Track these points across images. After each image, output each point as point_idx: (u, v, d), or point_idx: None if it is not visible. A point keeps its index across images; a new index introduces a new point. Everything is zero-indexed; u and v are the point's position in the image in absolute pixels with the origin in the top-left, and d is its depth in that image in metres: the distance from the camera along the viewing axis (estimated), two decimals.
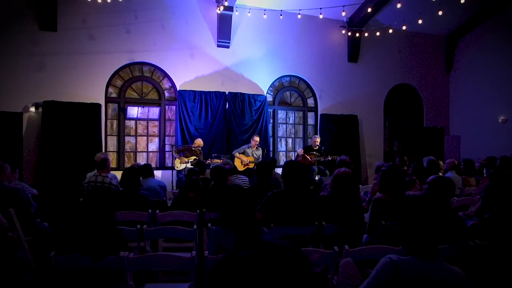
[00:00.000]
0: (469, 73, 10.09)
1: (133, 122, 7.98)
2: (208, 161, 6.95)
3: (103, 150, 7.34)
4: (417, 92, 10.32)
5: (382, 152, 9.92)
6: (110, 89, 7.71)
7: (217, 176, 4.21)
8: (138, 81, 7.97)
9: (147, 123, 8.10)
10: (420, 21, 7.84)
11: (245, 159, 7.52)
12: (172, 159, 7.75)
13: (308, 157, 7.83)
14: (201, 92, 7.99)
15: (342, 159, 4.70)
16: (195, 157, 7.32)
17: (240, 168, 7.38)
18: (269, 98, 8.95)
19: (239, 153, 7.61)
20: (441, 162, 6.11)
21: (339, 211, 3.12)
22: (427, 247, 1.68)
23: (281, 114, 9.26)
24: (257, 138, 7.61)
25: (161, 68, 7.96)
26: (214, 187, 4.27)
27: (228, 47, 8.24)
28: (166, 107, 8.15)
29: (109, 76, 7.55)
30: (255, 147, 7.66)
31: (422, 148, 9.82)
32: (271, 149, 8.80)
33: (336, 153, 7.77)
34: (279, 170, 4.82)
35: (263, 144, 8.24)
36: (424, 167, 5.09)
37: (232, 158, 7.67)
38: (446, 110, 10.62)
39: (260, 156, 7.68)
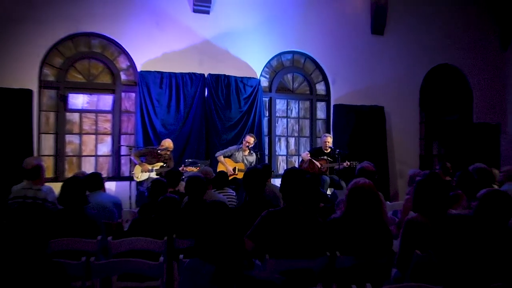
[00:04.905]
0: None
1: (76, 115, 7.92)
2: (180, 169, 6.92)
3: (35, 154, 7.27)
4: (465, 76, 10.40)
5: (417, 157, 9.99)
6: (46, 70, 7.64)
7: (192, 190, 4.19)
8: (84, 59, 7.90)
9: (96, 116, 8.04)
10: None
11: (232, 166, 7.49)
12: (131, 166, 7.69)
13: (317, 163, 7.85)
14: (170, 74, 7.96)
15: (364, 166, 4.70)
16: (162, 163, 7.28)
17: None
18: (264, 83, 8.96)
19: (224, 157, 7.60)
20: (495, 171, 6.16)
21: (358, 237, 3.13)
22: (475, 285, 1.69)
23: (280, 105, 9.26)
24: (251, 139, 7.60)
25: (116, 41, 7.91)
26: (189, 204, 4.25)
27: (208, 12, 8.24)
28: (123, 94, 8.09)
29: (44, 52, 7.49)
30: (247, 151, 7.65)
31: (470, 152, 9.88)
32: (266, 152, 8.80)
33: (355, 157, 7.80)
34: (277, 182, 4.79)
35: (256, 145, 8.22)
36: (473, 177, 5.12)
37: (214, 163, 7.64)
38: (502, 100, 10.72)
39: (254, 164, 7.66)
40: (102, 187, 4.93)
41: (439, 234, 2.89)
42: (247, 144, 7.58)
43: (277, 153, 9.22)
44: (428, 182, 3.12)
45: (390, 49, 9.60)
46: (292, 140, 9.45)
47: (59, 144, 7.72)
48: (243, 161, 7.61)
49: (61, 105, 7.74)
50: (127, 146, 7.90)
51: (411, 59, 9.78)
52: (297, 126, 9.46)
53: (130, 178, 7.52)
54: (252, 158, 7.72)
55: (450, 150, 10.40)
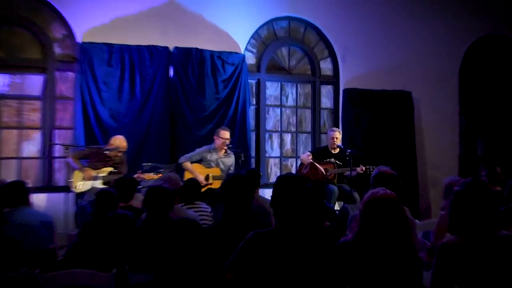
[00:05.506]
0: None
1: None
2: (136, 176, 6.90)
3: None
4: None
5: (456, 160, 10.08)
6: None
7: (154, 204, 4.19)
8: (4, 26, 7.86)
9: (21, 104, 8.01)
10: None
11: (204, 173, 7.47)
12: (68, 172, 7.64)
13: (321, 168, 7.88)
14: (122, 47, 7.96)
15: (382, 171, 4.72)
16: (111, 168, 7.26)
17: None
18: (250, 60, 9.00)
19: (191, 162, 7.57)
20: None
21: (376, 267, 3.14)
22: None
23: (272, 89, 9.30)
24: (227, 133, 7.63)
25: (49, 2, 7.85)
26: (148, 224, 4.24)
27: None
28: (57, 74, 8.07)
29: None
30: (222, 151, 7.66)
31: None
32: (253, 153, 8.82)
33: (372, 160, 7.85)
34: (267, 193, 4.77)
35: (239, 144, 8.25)
36: None
37: (180, 170, 7.62)
38: None
39: (233, 167, 7.69)
40: (27, 201, 4.90)
41: (485, 262, 2.90)
42: (226, 142, 7.59)
43: (267, 155, 9.25)
44: (470, 193, 3.11)
45: (419, 14, 9.67)
46: (287, 137, 9.50)
47: None
48: (218, 165, 7.62)
49: None
50: (62, 145, 7.84)
51: (448, 29, 9.85)
52: (294, 118, 9.49)
53: (66, 189, 7.48)
54: (230, 160, 7.76)
55: (500, 150, 10.46)
